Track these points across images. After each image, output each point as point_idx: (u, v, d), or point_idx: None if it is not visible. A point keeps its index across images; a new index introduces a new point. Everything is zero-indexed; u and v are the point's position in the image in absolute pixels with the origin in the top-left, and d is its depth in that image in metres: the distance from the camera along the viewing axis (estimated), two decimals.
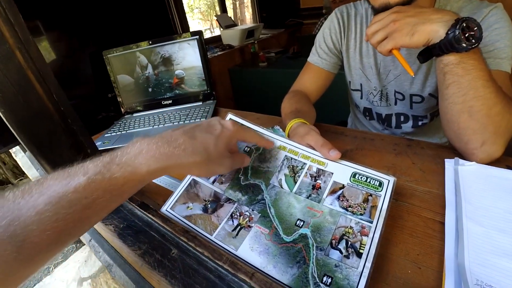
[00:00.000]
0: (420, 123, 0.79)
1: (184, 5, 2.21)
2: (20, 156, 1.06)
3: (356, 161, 0.44)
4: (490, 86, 0.44)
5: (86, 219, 0.29)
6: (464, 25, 0.42)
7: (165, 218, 0.42)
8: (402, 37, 0.45)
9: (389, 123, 0.83)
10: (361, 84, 0.80)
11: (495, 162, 0.49)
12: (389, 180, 0.42)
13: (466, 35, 0.42)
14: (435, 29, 0.44)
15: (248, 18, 4.39)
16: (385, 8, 0.56)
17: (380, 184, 0.41)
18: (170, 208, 0.44)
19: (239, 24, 3.20)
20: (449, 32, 0.42)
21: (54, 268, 1.89)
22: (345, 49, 0.78)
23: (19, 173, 2.96)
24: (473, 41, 0.42)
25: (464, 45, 0.42)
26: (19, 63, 0.40)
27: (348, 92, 0.89)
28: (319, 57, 0.80)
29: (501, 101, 0.45)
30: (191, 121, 0.83)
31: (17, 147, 0.94)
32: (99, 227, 0.47)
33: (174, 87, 0.97)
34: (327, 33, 0.79)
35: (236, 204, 0.42)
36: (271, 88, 2.16)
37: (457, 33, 0.41)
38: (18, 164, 1.04)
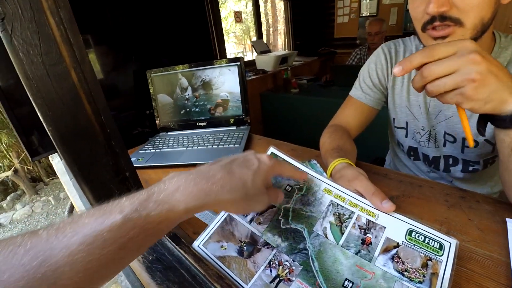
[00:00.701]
0: (471, 168, 0.72)
1: (222, 30, 2.31)
2: (56, 161, 1.10)
3: (404, 210, 0.40)
4: None
5: (120, 259, 0.27)
6: None
7: (197, 256, 0.39)
8: (477, 102, 0.36)
9: (437, 166, 0.76)
10: (407, 122, 0.76)
11: None
12: (451, 243, 0.36)
13: None
14: (507, 101, 0.36)
15: (280, 44, 4.51)
16: None
17: (441, 246, 0.36)
18: (203, 245, 0.41)
19: (272, 50, 3.28)
20: None
21: None
22: (391, 85, 0.75)
23: (52, 172, 3.11)
24: None
25: None
26: (73, 83, 0.40)
27: (390, 129, 0.84)
28: (363, 92, 0.77)
29: None
30: (224, 145, 0.81)
31: None
32: None
33: (213, 110, 0.97)
34: (372, 68, 0.76)
35: (275, 251, 0.38)
36: (302, 115, 2.15)
37: None
38: (51, 163, 1.08)
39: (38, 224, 2.50)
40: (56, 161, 1.11)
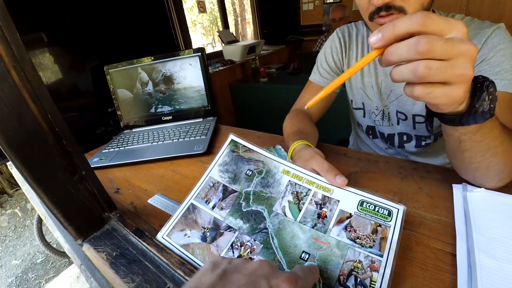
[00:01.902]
0: (423, 143, 0.78)
1: (187, 20, 2.25)
2: (16, 169, 1.04)
3: (361, 185, 0.42)
4: (505, 139, 0.41)
5: None
6: (488, 91, 0.33)
7: (160, 247, 0.39)
8: (458, 102, 0.32)
9: (392, 142, 0.81)
10: (363, 103, 0.79)
11: (504, 187, 0.47)
12: (398, 209, 0.39)
13: (489, 101, 0.33)
14: (463, 96, 0.31)
15: (249, 34, 4.47)
16: None
17: (389, 213, 0.39)
18: (167, 235, 0.41)
19: (241, 40, 3.25)
20: (476, 105, 0.33)
21: (46, 283, 1.82)
22: (346, 68, 0.78)
23: (15, 183, 2.91)
24: (493, 105, 0.34)
25: (488, 115, 0.34)
26: (14, 83, 0.38)
27: (350, 110, 0.88)
28: (321, 76, 0.79)
29: None
30: (191, 138, 0.81)
31: None
32: (90, 253, 0.44)
33: (172, 103, 0.96)
34: (328, 52, 0.79)
35: (237, 233, 0.40)
36: (272, 103, 2.17)
37: (485, 106, 0.33)
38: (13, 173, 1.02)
39: (6, 239, 2.34)
40: (16, 169, 1.05)
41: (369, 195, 0.41)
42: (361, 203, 0.41)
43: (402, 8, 0.51)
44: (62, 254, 1.87)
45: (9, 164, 1.04)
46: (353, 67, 0.32)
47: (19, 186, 2.86)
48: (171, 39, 1.29)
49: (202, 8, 2.77)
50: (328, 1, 3.69)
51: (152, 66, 0.93)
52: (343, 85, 0.81)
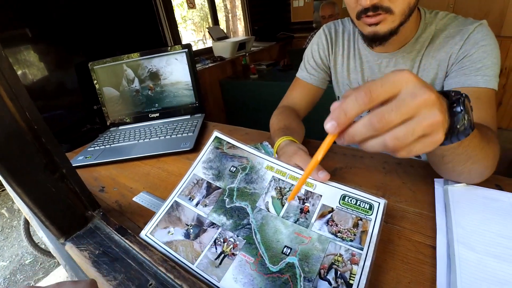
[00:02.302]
0: None
1: (177, 16, 2.22)
2: None
3: (346, 180, 0.43)
4: (485, 145, 0.41)
5: None
6: (465, 108, 0.32)
7: (143, 245, 0.39)
8: (441, 137, 0.28)
9: None
10: None
11: (484, 182, 0.48)
12: (379, 203, 0.40)
13: (468, 117, 0.32)
14: (443, 137, 0.29)
15: (240, 30, 4.44)
16: (374, 37, 0.57)
17: (371, 207, 0.40)
18: (150, 233, 0.41)
19: (232, 36, 3.23)
20: (458, 126, 0.32)
21: (35, 284, 1.79)
22: (333, 64, 0.79)
23: (1, 184, 2.84)
24: (471, 118, 0.33)
25: (470, 130, 0.33)
26: None
27: None
28: (308, 72, 0.80)
29: (492, 146, 0.44)
30: (178, 135, 0.80)
31: None
32: (73, 252, 0.44)
33: (159, 99, 0.95)
34: (315, 49, 0.79)
35: (220, 229, 0.40)
36: (262, 100, 2.17)
37: (466, 124, 0.32)
38: None
39: None
40: None
41: (351, 190, 0.42)
42: (343, 197, 0.41)
43: (389, 9, 0.52)
44: (51, 254, 1.84)
45: None
46: (312, 162, 0.33)
47: (4, 187, 2.79)
48: (158, 35, 1.28)
49: (191, 4, 2.73)
50: None
51: (138, 62, 0.92)
52: (330, 81, 0.82)
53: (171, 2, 2.26)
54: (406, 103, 0.26)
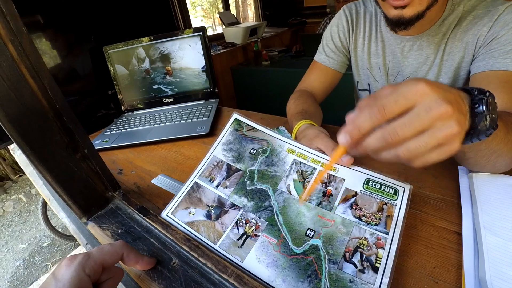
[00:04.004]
0: None
1: (187, 2, 2.18)
2: (18, 153, 1.04)
3: (366, 165, 0.42)
4: (509, 139, 0.39)
5: None
6: (489, 108, 0.30)
7: (165, 224, 0.39)
8: (459, 146, 0.28)
9: None
10: (369, 84, 0.78)
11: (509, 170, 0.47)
12: (404, 188, 0.39)
13: (493, 115, 0.31)
14: (459, 146, 0.29)
15: (251, 16, 4.35)
16: (399, 21, 0.54)
17: (395, 192, 0.39)
18: (171, 213, 0.41)
19: (242, 22, 3.17)
20: (479, 127, 0.30)
21: (52, 266, 1.87)
22: (353, 47, 0.76)
23: (19, 169, 2.94)
24: (495, 116, 0.31)
25: (493, 130, 0.31)
26: (11, 57, 0.37)
27: (355, 92, 0.86)
28: (326, 55, 0.77)
29: None
30: (193, 119, 0.80)
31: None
32: (95, 231, 0.44)
33: (174, 84, 0.94)
34: (334, 31, 0.76)
35: (241, 211, 0.39)
36: (274, 87, 2.14)
37: (488, 125, 0.30)
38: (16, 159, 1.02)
39: (12, 224, 2.39)
40: (19, 153, 1.05)
41: (375, 174, 0.41)
42: (367, 181, 0.40)
43: None
44: (68, 237, 1.90)
45: (11, 149, 1.05)
46: (328, 164, 0.39)
47: (22, 172, 2.88)
48: (171, 21, 1.26)
49: None
50: None
51: (152, 46, 0.91)
52: (349, 65, 0.80)
53: None
54: (420, 118, 0.26)
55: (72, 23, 0.99)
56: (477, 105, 0.30)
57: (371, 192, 0.39)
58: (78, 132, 0.42)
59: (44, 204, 1.78)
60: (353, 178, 0.40)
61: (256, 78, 2.25)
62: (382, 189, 0.39)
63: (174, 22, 1.29)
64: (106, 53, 0.93)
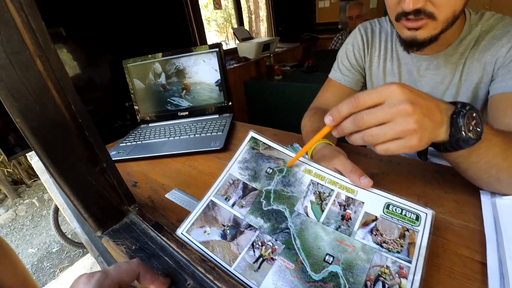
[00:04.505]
0: None
1: (202, 18, 2.25)
2: (35, 160, 1.06)
3: (384, 187, 0.41)
4: (509, 155, 0.40)
5: None
6: (466, 120, 0.34)
7: (180, 243, 0.39)
8: (421, 147, 0.34)
9: None
10: None
11: None
12: (427, 214, 0.38)
13: (471, 128, 0.35)
14: (439, 135, 0.36)
15: (263, 31, 4.44)
16: (412, 42, 0.54)
17: (417, 217, 0.37)
18: (186, 232, 0.40)
19: (255, 37, 3.23)
20: (454, 135, 0.35)
21: (60, 272, 1.87)
22: (368, 65, 0.76)
23: (33, 174, 3.00)
24: (479, 129, 0.35)
25: (473, 141, 0.35)
26: (39, 72, 0.38)
27: None
28: (341, 73, 0.77)
29: None
30: (207, 134, 0.80)
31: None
32: (109, 245, 0.44)
33: (189, 98, 0.96)
34: (350, 50, 0.76)
35: (257, 232, 0.39)
36: (286, 101, 2.15)
37: (464, 135, 0.34)
38: (32, 164, 1.04)
39: (23, 228, 2.42)
40: (35, 160, 1.07)
41: (395, 198, 0.40)
42: (387, 205, 0.39)
43: (432, 14, 0.49)
44: (77, 244, 1.91)
45: (28, 155, 1.07)
46: (311, 141, 0.42)
47: (37, 177, 2.95)
48: (187, 36, 1.29)
49: (217, 4, 2.76)
50: None
51: (169, 60, 0.93)
52: (364, 83, 0.79)
53: (198, 3, 2.30)
54: (383, 111, 0.33)
55: (93, 36, 1.03)
56: (455, 116, 0.35)
57: (392, 217, 0.38)
58: (98, 145, 0.43)
59: (56, 210, 1.81)
60: (372, 202, 0.39)
61: (268, 92, 2.27)
62: (403, 214, 0.38)
63: (191, 37, 1.33)
64: (125, 66, 0.96)
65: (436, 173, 0.56)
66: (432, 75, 0.65)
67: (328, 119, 0.37)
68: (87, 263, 1.89)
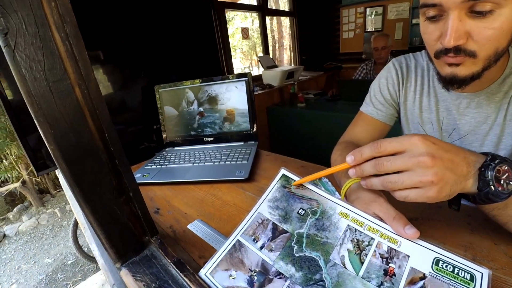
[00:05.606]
0: None
1: (230, 46, 2.34)
2: (62, 175, 1.09)
3: (424, 235, 0.36)
4: None
5: None
6: (496, 173, 0.34)
7: (203, 286, 0.36)
8: (441, 199, 0.35)
9: None
10: None
11: None
12: (482, 274, 0.33)
13: (501, 182, 0.34)
14: (466, 187, 0.36)
15: (286, 59, 4.56)
16: (452, 79, 0.51)
17: (472, 278, 0.32)
18: (210, 273, 0.38)
19: (278, 65, 3.31)
20: (482, 189, 0.35)
21: (72, 286, 1.86)
22: (403, 100, 0.73)
23: (59, 185, 3.11)
24: (509, 184, 0.34)
25: (505, 195, 0.34)
26: (77, 100, 0.39)
27: None
28: (374, 107, 0.74)
29: None
30: (232, 162, 0.79)
31: None
32: (128, 280, 0.42)
33: (222, 125, 0.96)
34: (383, 83, 0.74)
35: (288, 282, 0.35)
36: (309, 129, 2.13)
37: (493, 189, 0.34)
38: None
39: (43, 237, 2.48)
40: (62, 175, 1.10)
41: (445, 253, 0.35)
42: (437, 261, 0.34)
43: (473, 53, 0.46)
44: (91, 258, 1.91)
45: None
46: (327, 170, 0.43)
47: (61, 188, 3.05)
48: (217, 64, 1.34)
49: (245, 34, 2.89)
50: (369, 30, 3.67)
51: (199, 87, 0.95)
52: (399, 118, 0.76)
53: (227, 32, 2.41)
54: (403, 160, 0.34)
55: (129, 60, 1.09)
56: (483, 169, 0.35)
57: (443, 276, 0.33)
58: (127, 175, 0.42)
59: (76, 223, 1.83)
60: (419, 256, 0.35)
61: (291, 119, 2.27)
62: (455, 272, 0.33)
63: (220, 65, 1.37)
64: (157, 91, 0.99)
65: (483, 221, 0.50)
66: (473, 113, 0.61)
67: (349, 158, 0.38)
68: (99, 279, 1.88)
